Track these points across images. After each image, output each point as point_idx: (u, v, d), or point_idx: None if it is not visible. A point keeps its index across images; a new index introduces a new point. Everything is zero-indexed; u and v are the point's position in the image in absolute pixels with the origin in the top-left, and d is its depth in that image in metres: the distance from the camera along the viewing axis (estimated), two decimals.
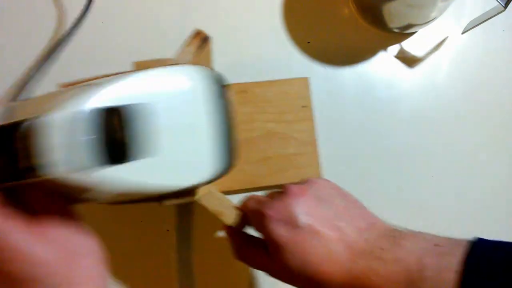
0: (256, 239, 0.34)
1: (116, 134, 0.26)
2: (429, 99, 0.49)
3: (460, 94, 0.49)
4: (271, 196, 0.34)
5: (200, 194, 0.36)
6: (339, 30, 0.49)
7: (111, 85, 0.27)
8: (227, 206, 0.37)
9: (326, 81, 0.48)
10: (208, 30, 0.48)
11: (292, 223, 0.30)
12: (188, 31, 0.38)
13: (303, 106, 0.46)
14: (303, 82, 0.47)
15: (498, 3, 0.41)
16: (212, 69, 0.33)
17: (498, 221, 0.48)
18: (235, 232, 0.36)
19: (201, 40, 0.37)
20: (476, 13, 0.47)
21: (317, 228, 0.30)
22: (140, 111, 0.27)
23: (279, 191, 0.33)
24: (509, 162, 0.49)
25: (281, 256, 0.30)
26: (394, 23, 0.47)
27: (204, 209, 0.36)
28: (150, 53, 0.38)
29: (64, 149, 0.24)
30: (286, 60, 0.48)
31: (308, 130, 0.46)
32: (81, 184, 0.25)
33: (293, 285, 0.31)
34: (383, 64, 0.49)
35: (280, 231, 0.30)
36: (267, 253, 0.32)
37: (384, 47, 0.50)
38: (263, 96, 0.46)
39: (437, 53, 0.50)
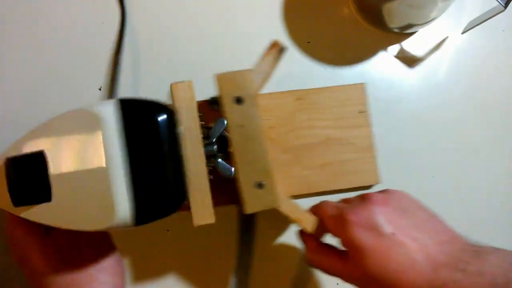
0: (329, 245, 0.35)
1: (13, 182, 0.29)
2: (429, 99, 0.49)
3: (460, 94, 0.49)
4: (348, 202, 0.34)
5: (280, 202, 0.37)
6: (339, 30, 0.49)
7: (21, 138, 0.31)
8: (303, 213, 0.38)
9: (326, 81, 0.48)
10: (208, 30, 0.48)
11: (375, 230, 0.31)
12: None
13: (360, 112, 0.47)
14: (360, 88, 0.47)
15: (498, 3, 0.41)
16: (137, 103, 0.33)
17: (498, 221, 0.48)
18: (311, 238, 0.37)
19: (278, 50, 0.38)
20: (476, 13, 0.47)
21: (400, 238, 0.30)
22: (35, 160, 0.30)
23: (358, 198, 0.34)
24: (510, 162, 0.49)
25: (362, 261, 0.30)
26: (394, 23, 0.47)
27: (266, 217, 0.37)
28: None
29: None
30: (286, 60, 0.48)
31: (366, 135, 0.46)
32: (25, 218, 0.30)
33: None
34: (383, 64, 0.49)
35: (363, 237, 0.31)
36: (342, 259, 0.33)
37: (384, 47, 0.50)
38: (320, 103, 0.46)
39: (437, 53, 0.50)
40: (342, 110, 0.46)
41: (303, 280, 0.46)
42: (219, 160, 0.36)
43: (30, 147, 0.30)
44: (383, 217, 0.31)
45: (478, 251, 0.30)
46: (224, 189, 0.37)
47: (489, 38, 0.50)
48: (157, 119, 0.32)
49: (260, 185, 0.36)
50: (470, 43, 0.50)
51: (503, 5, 0.41)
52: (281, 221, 0.46)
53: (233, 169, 0.36)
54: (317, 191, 0.46)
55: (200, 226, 0.34)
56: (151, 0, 0.48)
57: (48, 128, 0.31)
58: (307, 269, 0.46)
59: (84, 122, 0.31)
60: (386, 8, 0.45)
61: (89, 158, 0.30)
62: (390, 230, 0.30)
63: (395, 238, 0.30)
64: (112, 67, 0.46)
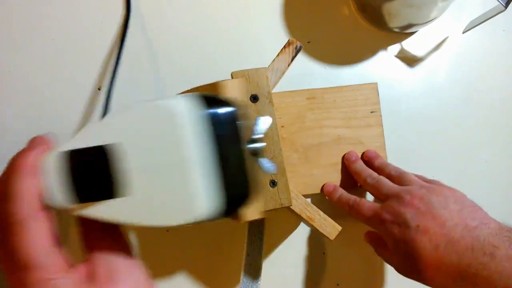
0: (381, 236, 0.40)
1: (88, 175, 0.28)
2: (429, 99, 0.49)
3: (461, 93, 0.49)
4: (387, 195, 0.39)
5: (292, 201, 0.37)
6: (339, 30, 0.49)
7: (90, 127, 0.29)
8: (315, 212, 0.40)
9: (326, 81, 0.48)
10: (207, 30, 0.48)
11: (404, 224, 0.36)
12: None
13: (371, 112, 0.46)
14: (372, 88, 0.47)
15: (498, 3, 0.41)
16: (208, 98, 0.32)
17: (498, 219, 0.48)
18: (373, 236, 0.42)
19: (295, 49, 0.38)
20: (477, 13, 0.47)
21: (424, 227, 0.35)
22: (113, 151, 0.28)
23: (395, 198, 0.38)
24: (510, 161, 0.49)
25: (396, 250, 0.36)
26: (394, 23, 0.47)
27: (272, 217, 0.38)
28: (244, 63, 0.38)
29: (54, 186, 0.27)
30: None
31: (377, 135, 0.46)
32: (76, 215, 0.28)
33: (411, 276, 0.37)
34: (383, 63, 0.49)
35: (395, 231, 0.36)
36: (386, 249, 0.39)
37: (384, 46, 0.49)
38: (332, 102, 0.46)
39: (437, 52, 0.50)
40: (353, 109, 0.46)
41: (311, 280, 0.46)
42: (262, 157, 0.35)
43: (99, 139, 0.28)
44: (409, 214, 0.36)
45: (509, 236, 0.32)
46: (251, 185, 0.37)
47: (490, 38, 0.50)
48: (231, 115, 0.32)
49: (273, 183, 0.36)
50: (471, 43, 0.50)
51: (504, 5, 0.41)
52: (289, 222, 0.47)
53: (275, 165, 0.36)
54: None
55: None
56: (153, 0, 0.48)
57: (122, 120, 0.29)
58: (314, 269, 0.47)
59: (161, 115, 0.29)
60: (386, 8, 0.45)
61: (168, 152, 0.29)
62: (415, 223, 0.35)
63: (419, 229, 0.35)
64: (113, 67, 0.46)
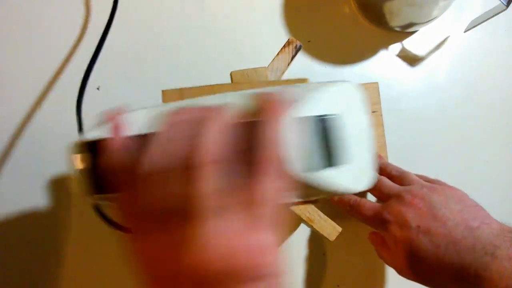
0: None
1: (329, 141, 0.28)
2: (430, 98, 0.49)
3: (462, 93, 0.49)
4: (388, 195, 0.39)
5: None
6: (339, 29, 0.49)
7: (315, 96, 0.29)
8: (314, 213, 0.40)
9: (327, 80, 0.48)
10: (208, 29, 0.48)
11: (405, 225, 0.36)
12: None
13: (372, 112, 0.46)
14: (373, 87, 0.47)
15: (500, 2, 0.41)
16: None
17: (499, 220, 0.48)
18: (376, 236, 0.41)
19: (294, 48, 0.38)
20: (478, 12, 0.47)
21: (425, 228, 0.35)
22: (336, 121, 0.28)
23: (394, 198, 0.38)
24: (510, 161, 0.49)
25: (397, 252, 0.36)
26: (395, 22, 0.47)
27: None
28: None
29: (300, 150, 0.26)
30: None
31: (378, 135, 0.46)
32: (306, 183, 0.27)
33: (411, 277, 0.36)
34: (384, 63, 0.49)
35: (396, 233, 0.36)
36: (388, 251, 0.38)
37: (385, 46, 0.49)
38: None
39: (438, 52, 0.49)
40: None
41: (311, 281, 0.46)
42: None
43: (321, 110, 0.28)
44: (410, 214, 0.36)
45: (511, 236, 0.32)
46: None
47: (491, 37, 0.50)
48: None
49: None
50: (472, 42, 0.50)
51: (505, 4, 0.40)
52: (289, 223, 0.46)
53: None
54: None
55: None
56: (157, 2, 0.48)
57: (332, 94, 0.30)
58: (314, 270, 0.46)
59: (354, 93, 0.32)
60: (387, 7, 0.44)
61: (360, 125, 0.31)
62: (416, 223, 0.35)
63: (420, 229, 0.35)
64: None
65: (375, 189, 0.41)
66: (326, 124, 0.28)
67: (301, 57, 0.48)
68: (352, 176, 0.30)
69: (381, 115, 0.46)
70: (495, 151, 0.49)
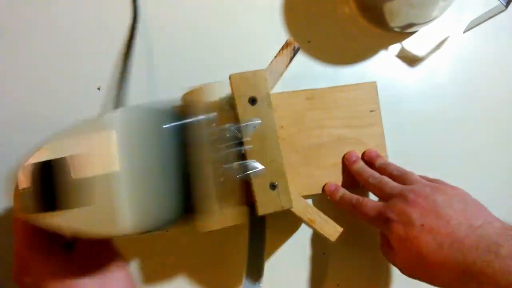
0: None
1: (48, 186, 0.29)
2: (430, 99, 0.49)
3: (461, 93, 0.49)
4: (391, 194, 0.39)
5: (293, 204, 0.37)
6: (339, 29, 0.49)
7: (50, 141, 0.30)
8: (316, 214, 0.40)
9: (327, 80, 0.48)
10: (207, 30, 0.48)
11: (409, 223, 0.36)
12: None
13: (371, 111, 0.46)
14: (371, 87, 0.47)
15: (499, 3, 0.41)
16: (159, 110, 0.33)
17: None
18: (381, 235, 0.41)
19: (293, 50, 0.38)
20: (478, 12, 0.47)
21: (429, 226, 0.35)
22: (70, 164, 0.29)
23: (398, 196, 0.38)
24: (511, 161, 0.49)
25: (401, 250, 0.36)
26: (395, 22, 0.47)
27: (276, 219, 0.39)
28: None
29: (25, 196, 0.29)
30: None
31: (377, 134, 0.46)
32: (41, 225, 0.30)
33: (415, 276, 0.37)
34: (384, 63, 0.49)
35: (400, 230, 0.36)
36: (391, 250, 0.38)
37: (385, 46, 0.49)
38: (331, 102, 0.46)
39: (438, 52, 0.50)
40: (353, 109, 0.46)
41: (311, 281, 0.46)
42: (228, 165, 0.36)
43: (49, 154, 0.30)
44: (414, 213, 0.36)
45: None
46: (235, 190, 0.37)
47: (491, 37, 0.50)
48: (165, 127, 0.32)
49: (273, 186, 0.36)
50: (471, 43, 0.50)
51: (504, 4, 0.41)
52: (291, 223, 0.46)
53: (248, 173, 0.36)
54: None
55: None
56: (155, 2, 0.48)
57: (67, 136, 0.31)
58: (315, 269, 0.46)
59: (98, 128, 0.31)
60: (387, 7, 0.45)
61: (100, 164, 0.30)
62: (419, 222, 0.35)
63: (424, 228, 0.35)
64: (121, 67, 0.46)
65: (376, 189, 0.41)
66: (50, 168, 0.29)
67: (301, 57, 0.48)
68: (92, 218, 0.30)
69: (380, 115, 0.47)
70: (495, 151, 0.49)
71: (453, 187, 0.39)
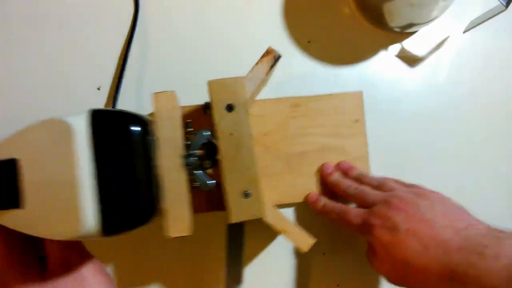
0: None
1: (7, 184, 0.30)
2: (430, 99, 0.49)
3: (461, 93, 0.49)
4: (373, 203, 0.39)
5: (265, 213, 0.37)
6: (339, 29, 0.49)
7: (9, 139, 0.31)
8: (289, 224, 0.39)
9: (327, 80, 0.48)
10: (207, 30, 0.48)
11: (394, 229, 0.36)
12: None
13: (355, 121, 0.46)
14: (357, 97, 0.47)
15: (499, 3, 0.41)
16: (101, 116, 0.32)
17: (499, 220, 0.48)
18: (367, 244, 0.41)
19: (273, 58, 0.38)
20: (478, 12, 0.47)
21: (414, 230, 0.35)
22: (7, 166, 0.30)
23: (382, 202, 0.38)
24: (511, 161, 0.49)
25: (387, 256, 0.36)
26: (395, 22, 0.47)
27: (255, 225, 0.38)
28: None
29: None
30: (286, 59, 0.48)
31: (361, 144, 0.46)
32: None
33: (401, 282, 0.36)
34: (384, 63, 0.49)
35: (385, 236, 0.36)
36: (375, 257, 0.38)
37: (384, 46, 0.49)
38: (316, 110, 0.46)
39: (438, 52, 0.50)
40: (338, 118, 0.46)
41: (311, 281, 0.46)
42: (198, 172, 0.35)
43: (3, 155, 0.30)
44: (399, 218, 0.36)
45: (498, 236, 0.33)
46: (213, 195, 0.36)
47: (490, 37, 0.50)
48: (127, 131, 0.32)
49: (246, 194, 0.36)
50: (471, 43, 0.50)
51: (504, 4, 0.41)
52: (270, 230, 0.46)
53: (213, 182, 0.35)
54: None
55: (185, 238, 0.33)
56: (155, 2, 0.48)
57: (22, 137, 0.31)
58: (314, 269, 0.46)
59: (57, 132, 0.31)
60: (387, 7, 0.45)
61: (60, 168, 0.30)
62: (405, 226, 0.35)
63: (409, 231, 0.35)
64: (118, 67, 0.46)
65: (357, 199, 0.41)
66: (6, 167, 0.30)
67: (301, 57, 0.48)
68: (52, 219, 0.30)
69: (364, 125, 0.46)
70: (495, 151, 0.49)
71: (434, 192, 0.39)
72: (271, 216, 0.39)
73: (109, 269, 0.45)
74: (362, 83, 0.48)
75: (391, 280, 0.37)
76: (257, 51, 0.48)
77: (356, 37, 0.49)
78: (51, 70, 0.47)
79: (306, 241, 0.40)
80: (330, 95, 0.47)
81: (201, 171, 0.35)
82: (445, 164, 0.48)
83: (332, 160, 0.46)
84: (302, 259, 0.47)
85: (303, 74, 0.48)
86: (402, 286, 0.37)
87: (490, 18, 0.45)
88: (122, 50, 0.47)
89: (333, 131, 0.46)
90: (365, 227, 0.38)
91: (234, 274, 0.41)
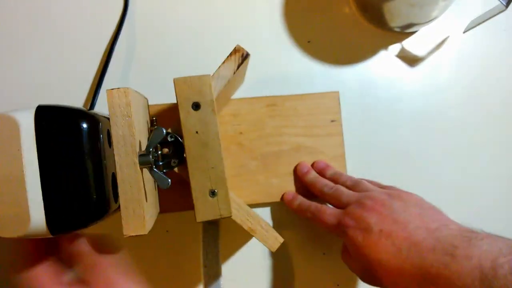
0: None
1: None
2: (430, 98, 0.49)
3: (461, 93, 0.49)
4: (348, 203, 0.39)
5: (232, 212, 0.36)
6: (339, 29, 0.49)
7: None
8: (256, 224, 0.39)
9: (326, 80, 0.48)
10: (207, 29, 0.48)
11: (367, 230, 0.36)
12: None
13: (332, 121, 0.46)
14: (333, 97, 0.47)
15: (499, 2, 0.41)
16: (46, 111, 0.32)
17: (499, 220, 0.48)
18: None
19: (241, 56, 0.38)
20: (477, 12, 0.47)
21: (387, 231, 0.35)
22: None
23: (355, 203, 0.38)
24: (510, 161, 0.49)
25: (360, 257, 0.36)
26: (395, 22, 0.47)
27: (230, 223, 0.38)
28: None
29: None
30: (286, 59, 0.48)
31: (337, 144, 0.46)
32: None
33: (374, 282, 0.36)
34: (383, 63, 0.49)
35: (359, 237, 0.36)
36: (350, 257, 0.38)
37: (384, 46, 0.49)
38: (293, 110, 0.46)
39: (438, 52, 0.50)
40: (314, 118, 0.46)
41: (311, 281, 0.46)
42: (155, 170, 0.35)
43: None
44: (374, 219, 0.36)
45: (469, 236, 0.32)
46: (187, 194, 0.36)
47: (490, 37, 0.50)
48: (71, 127, 0.31)
49: (213, 193, 0.36)
50: (471, 43, 0.50)
51: (504, 4, 0.41)
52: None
53: (169, 180, 0.35)
54: None
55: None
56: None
57: None
58: (314, 269, 0.46)
59: (4, 127, 0.30)
60: (387, 7, 0.45)
61: (8, 164, 0.30)
62: (378, 227, 0.35)
63: (383, 233, 0.35)
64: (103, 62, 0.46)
65: (332, 198, 0.41)
66: None
67: (301, 57, 0.48)
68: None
69: (341, 125, 0.47)
70: (495, 151, 0.49)
71: (408, 193, 0.39)
72: (238, 215, 0.39)
73: None
74: (362, 83, 0.48)
75: (365, 280, 0.38)
76: (257, 51, 0.48)
77: (356, 37, 0.49)
78: (44, 69, 0.47)
79: (275, 241, 0.40)
80: (307, 94, 0.47)
81: (156, 170, 0.35)
82: (445, 164, 0.48)
83: (308, 159, 0.46)
84: (302, 259, 0.47)
85: (303, 74, 0.48)
86: (376, 286, 0.37)
87: (490, 18, 0.45)
88: (121, 50, 0.47)
89: (309, 131, 0.46)
90: (339, 228, 0.38)
91: (212, 274, 0.41)
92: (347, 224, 0.37)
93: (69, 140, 0.31)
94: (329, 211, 0.39)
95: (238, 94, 0.47)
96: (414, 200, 0.38)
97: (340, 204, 0.40)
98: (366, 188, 0.40)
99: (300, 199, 0.43)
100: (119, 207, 0.33)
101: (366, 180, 0.43)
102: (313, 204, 0.41)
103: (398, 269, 0.34)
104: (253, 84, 0.47)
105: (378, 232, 0.35)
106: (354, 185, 0.41)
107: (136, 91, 0.37)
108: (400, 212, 0.36)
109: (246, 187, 0.45)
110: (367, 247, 0.35)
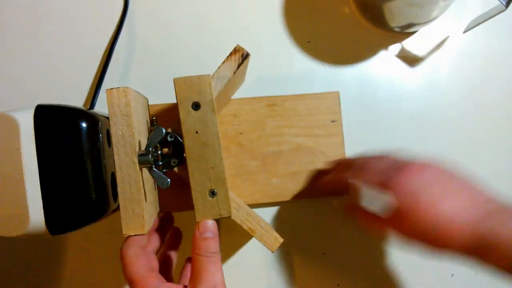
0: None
1: None
2: (430, 98, 0.49)
3: (461, 93, 0.49)
4: (397, 170, 0.37)
5: (232, 212, 0.36)
6: (339, 29, 0.49)
7: None
8: (256, 224, 0.39)
9: (326, 80, 0.48)
10: (207, 29, 0.48)
11: (415, 195, 0.35)
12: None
13: (332, 121, 0.46)
14: (334, 97, 0.47)
15: (499, 2, 0.41)
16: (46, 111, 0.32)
17: None
18: (358, 210, 0.38)
19: (241, 56, 0.38)
20: (478, 12, 0.47)
21: (452, 191, 0.35)
22: None
23: (394, 167, 0.37)
24: (510, 161, 0.49)
25: (412, 216, 0.35)
26: (395, 22, 0.47)
27: (230, 223, 0.38)
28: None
29: None
30: (286, 59, 0.48)
31: (337, 145, 0.46)
32: None
33: (418, 239, 0.35)
34: (384, 63, 0.49)
35: (423, 198, 0.35)
36: (388, 218, 0.36)
37: (385, 46, 0.49)
38: (293, 110, 0.46)
39: (438, 52, 0.50)
40: (314, 118, 0.46)
41: (311, 280, 0.46)
42: (154, 170, 0.35)
43: None
44: (436, 179, 0.36)
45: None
46: (186, 194, 0.36)
47: (490, 37, 0.50)
48: (70, 126, 0.32)
49: (212, 193, 0.36)
50: (471, 43, 0.50)
51: (504, 4, 0.41)
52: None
53: (169, 180, 0.35)
54: (285, 200, 0.46)
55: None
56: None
57: None
58: (314, 269, 0.46)
59: (4, 127, 0.30)
60: (387, 7, 0.45)
61: (6, 163, 0.30)
62: (441, 187, 0.35)
63: (447, 193, 0.35)
64: (101, 65, 0.46)
65: (364, 174, 0.38)
66: None
67: (301, 57, 0.48)
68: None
69: (341, 125, 0.47)
70: (495, 150, 0.49)
71: (440, 168, 0.38)
72: (238, 215, 0.39)
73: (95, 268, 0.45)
74: (362, 83, 0.48)
75: (414, 235, 0.36)
76: (257, 51, 0.48)
77: (356, 37, 0.49)
78: (43, 67, 0.47)
79: (274, 241, 0.39)
80: (307, 95, 0.47)
81: (155, 170, 0.35)
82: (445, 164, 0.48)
83: (308, 160, 0.46)
84: (302, 259, 0.47)
85: (303, 74, 0.48)
86: (423, 244, 0.35)
87: (490, 18, 0.45)
88: (121, 51, 0.47)
89: (309, 131, 0.46)
90: (385, 187, 0.36)
91: None
92: (393, 186, 0.36)
93: (68, 139, 0.31)
94: (374, 167, 0.38)
95: (238, 94, 0.47)
96: (451, 173, 0.38)
97: (374, 176, 0.37)
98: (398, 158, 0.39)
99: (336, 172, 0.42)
100: (118, 206, 0.33)
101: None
102: (359, 159, 0.40)
103: (455, 231, 0.33)
104: (253, 84, 0.47)
105: (442, 191, 0.35)
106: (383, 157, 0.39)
107: (136, 91, 0.37)
108: (456, 176, 0.37)
109: (246, 187, 0.45)
110: (424, 208, 0.34)
